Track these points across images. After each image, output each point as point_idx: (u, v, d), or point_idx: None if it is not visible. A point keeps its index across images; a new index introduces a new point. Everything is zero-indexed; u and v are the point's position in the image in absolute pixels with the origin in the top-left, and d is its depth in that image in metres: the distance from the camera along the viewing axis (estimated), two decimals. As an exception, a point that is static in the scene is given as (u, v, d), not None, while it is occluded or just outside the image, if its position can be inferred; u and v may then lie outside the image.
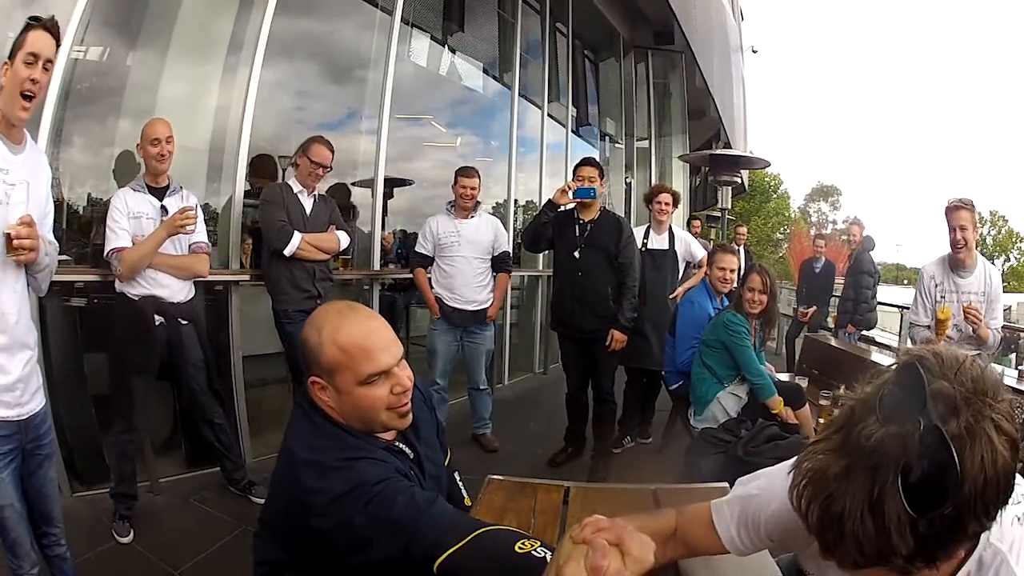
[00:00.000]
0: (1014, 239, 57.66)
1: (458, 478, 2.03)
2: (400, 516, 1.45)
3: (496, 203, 7.99)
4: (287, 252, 4.13)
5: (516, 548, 1.35)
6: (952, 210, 4.10)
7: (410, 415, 1.68)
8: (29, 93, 2.23)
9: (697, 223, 8.01)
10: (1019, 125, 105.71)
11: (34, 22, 2.24)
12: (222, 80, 4.84)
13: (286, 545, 1.65)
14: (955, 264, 4.20)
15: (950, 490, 0.81)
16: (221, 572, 3.22)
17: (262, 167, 4.88)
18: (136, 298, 3.53)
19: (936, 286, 4.30)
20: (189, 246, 3.68)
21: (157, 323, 3.58)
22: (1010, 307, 23.14)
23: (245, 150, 4.63)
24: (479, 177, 5.03)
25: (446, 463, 1.99)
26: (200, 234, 3.70)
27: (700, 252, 5.58)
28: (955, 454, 0.80)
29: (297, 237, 4.13)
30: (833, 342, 6.83)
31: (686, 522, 1.47)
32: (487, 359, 5.30)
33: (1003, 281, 4.28)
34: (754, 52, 25.33)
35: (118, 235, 3.47)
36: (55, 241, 2.47)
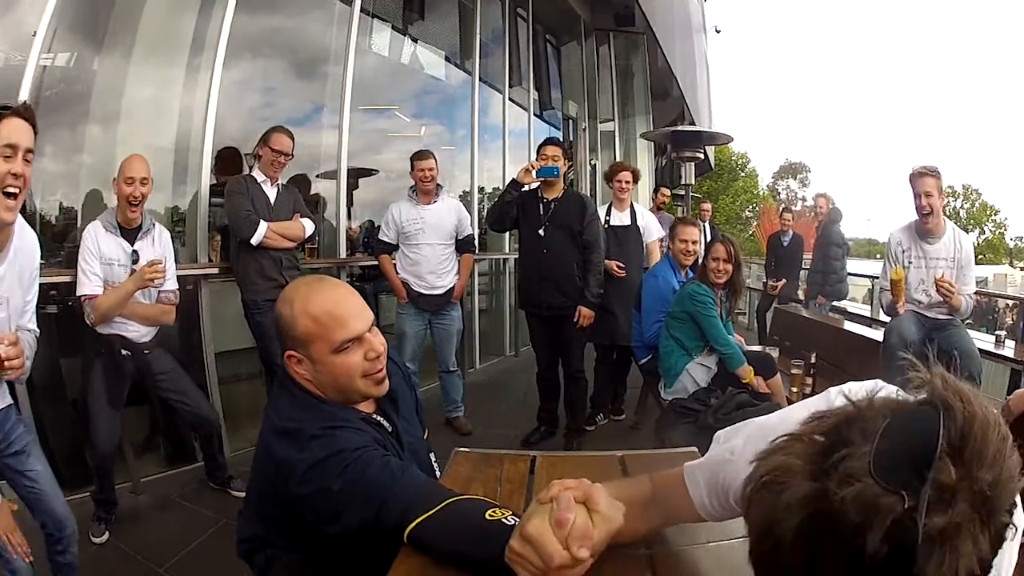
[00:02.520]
0: (988, 212, 58.47)
1: (433, 458, 2.05)
2: (373, 481, 1.46)
3: (463, 191, 7.99)
4: (254, 241, 4.15)
5: (487, 516, 1.36)
6: (916, 177, 4.14)
7: (386, 382, 1.71)
8: (13, 190, 1.97)
9: (666, 191, 7.95)
10: (988, 98, 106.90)
11: (4, 110, 1.95)
12: (186, 80, 4.81)
13: (266, 520, 1.70)
14: (922, 231, 4.24)
15: None
16: (205, 565, 3.24)
17: (227, 163, 4.86)
18: (104, 334, 3.52)
19: (903, 252, 4.34)
20: (158, 293, 3.66)
21: (124, 355, 3.57)
22: (986, 279, 23.42)
23: (210, 146, 4.64)
24: (435, 159, 4.99)
25: (424, 438, 2.02)
26: (170, 282, 3.69)
27: (656, 232, 5.66)
28: (919, 559, 0.63)
29: (263, 226, 4.16)
30: (804, 313, 6.87)
31: (661, 487, 1.38)
32: (457, 340, 5.30)
33: (979, 254, 4.28)
34: (717, 32, 25.43)
35: (90, 280, 3.43)
36: (36, 328, 2.38)
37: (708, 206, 10.51)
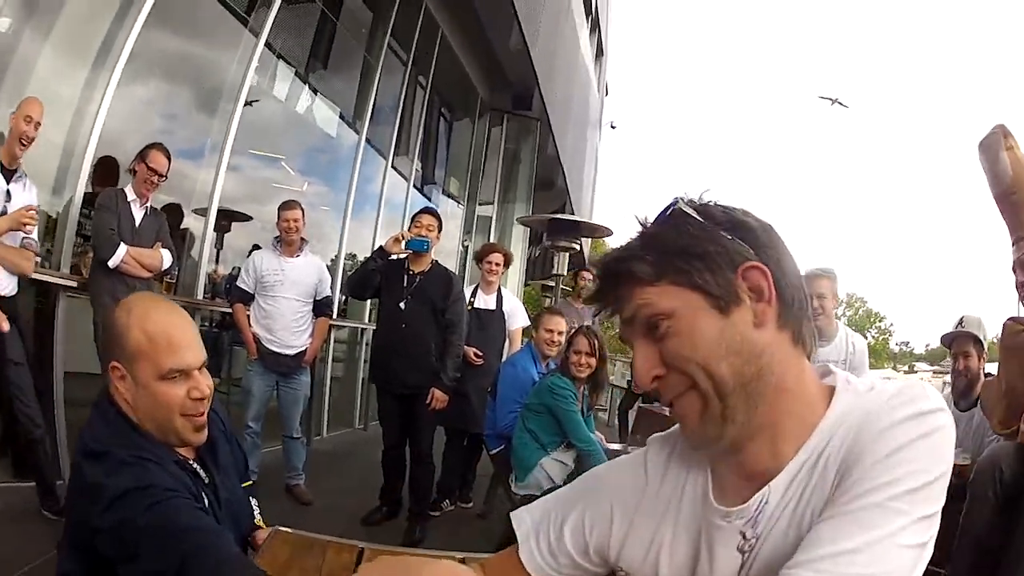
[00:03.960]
0: (873, 318, 62.65)
1: (255, 503, 1.97)
2: (182, 530, 1.36)
3: (331, 258, 7.80)
4: (111, 263, 3.95)
5: None
6: (812, 279, 4.14)
7: (205, 431, 1.63)
8: None
9: (587, 275, 7.75)
10: (874, 208, 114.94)
11: None
12: (86, 82, 4.69)
13: (80, 554, 1.52)
14: None
15: None
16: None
17: (105, 173, 4.68)
18: None
19: None
20: (21, 241, 3.57)
21: None
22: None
23: (92, 153, 4.50)
24: (302, 209, 4.84)
25: (245, 485, 1.93)
26: (34, 233, 3.65)
27: (521, 320, 5.58)
28: None
29: (122, 249, 3.97)
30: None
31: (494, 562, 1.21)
32: (303, 405, 5.09)
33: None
34: (612, 128, 26.49)
35: None
36: None
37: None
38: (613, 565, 1.09)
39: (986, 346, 3.88)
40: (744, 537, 0.92)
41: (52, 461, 3.86)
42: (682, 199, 0.97)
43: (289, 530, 1.88)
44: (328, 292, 5.06)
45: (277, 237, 4.88)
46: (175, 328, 1.57)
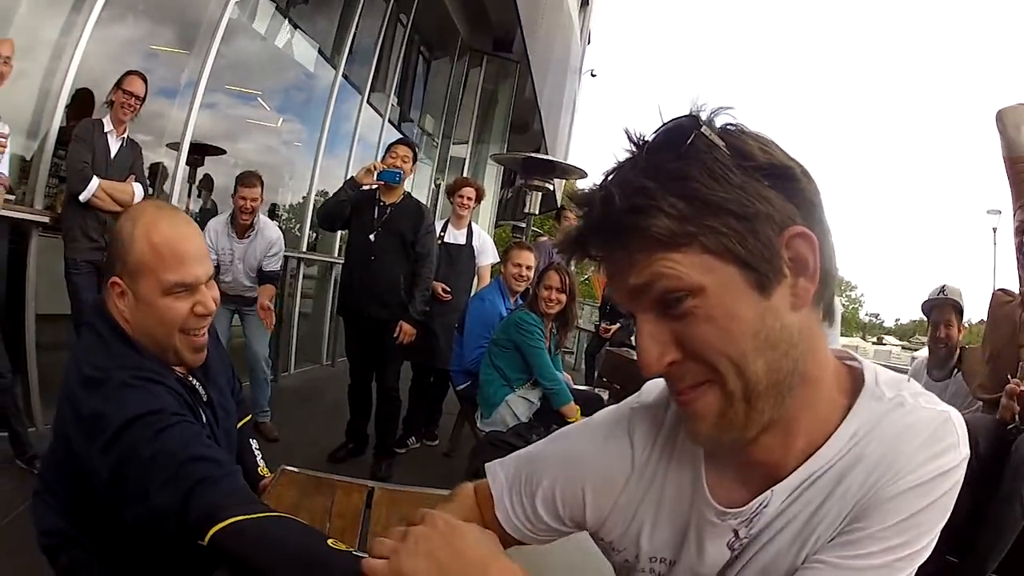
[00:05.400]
0: (843, 287, 63.44)
1: (255, 445, 1.93)
2: (193, 458, 1.24)
3: (303, 197, 7.80)
4: (82, 197, 3.86)
5: (329, 543, 1.11)
6: None
7: (204, 353, 1.56)
8: None
9: (570, 215, 7.70)
10: (845, 177, 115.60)
11: None
12: (65, 19, 4.56)
13: (65, 506, 1.46)
14: None
15: None
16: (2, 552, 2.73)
17: (81, 106, 4.54)
18: None
19: None
20: None
21: None
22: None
23: (68, 88, 4.39)
24: (262, 186, 4.67)
25: (239, 426, 1.86)
26: (3, 165, 3.56)
27: (491, 256, 5.53)
28: None
29: (94, 183, 3.87)
30: (634, 356, 6.81)
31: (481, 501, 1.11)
32: (267, 336, 5.04)
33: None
34: (593, 76, 26.26)
35: None
36: None
37: (545, 239, 10.38)
38: (592, 535, 1.04)
39: (963, 318, 3.84)
40: (737, 535, 0.87)
41: (23, 409, 3.80)
42: (701, 118, 0.75)
43: (296, 469, 1.86)
44: (276, 267, 4.94)
45: (231, 214, 4.72)
46: (184, 239, 1.48)
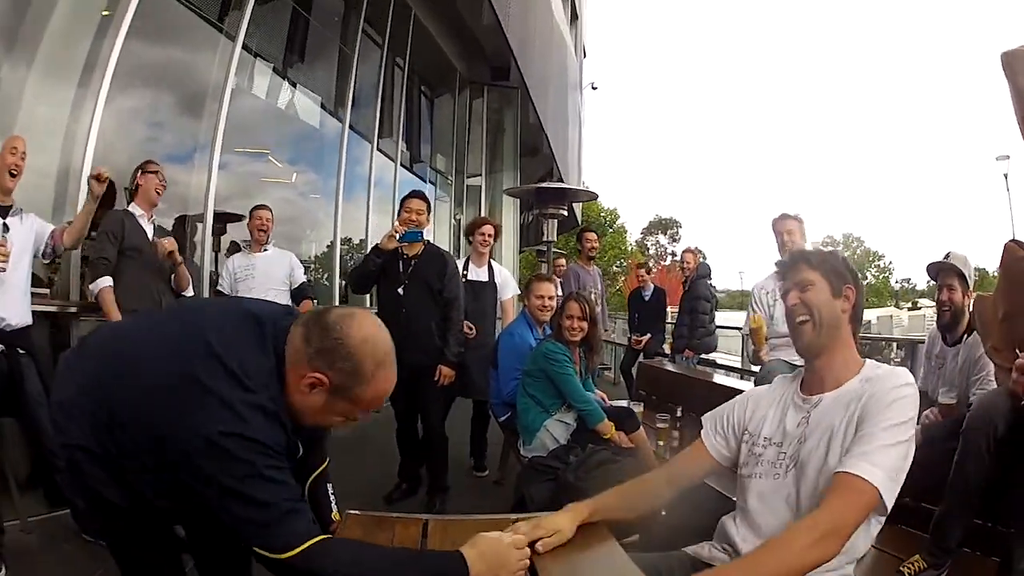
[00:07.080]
0: (871, 257, 62.20)
1: (330, 489, 2.10)
2: (279, 498, 1.45)
3: (327, 245, 7.95)
4: (90, 290, 4.03)
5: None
6: (778, 220, 4.43)
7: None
8: None
9: (592, 235, 7.69)
10: (866, 148, 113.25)
11: None
12: (73, 102, 4.79)
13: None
14: None
15: None
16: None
17: (104, 196, 4.61)
18: None
19: (767, 294, 4.52)
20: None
21: None
22: (870, 321, 24.46)
23: (87, 174, 4.37)
24: (271, 211, 5.27)
25: (320, 470, 2.09)
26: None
27: (512, 290, 5.74)
28: None
29: (103, 283, 3.99)
30: (669, 367, 6.92)
31: (677, 459, 2.09)
32: None
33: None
34: (594, 88, 26.38)
35: None
36: None
37: (563, 262, 10.43)
38: (744, 431, 1.96)
39: (971, 285, 3.80)
40: (807, 412, 1.83)
41: None
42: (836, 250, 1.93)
43: (359, 512, 2.02)
44: (303, 278, 5.31)
45: (247, 240, 5.20)
46: (389, 390, 1.61)
